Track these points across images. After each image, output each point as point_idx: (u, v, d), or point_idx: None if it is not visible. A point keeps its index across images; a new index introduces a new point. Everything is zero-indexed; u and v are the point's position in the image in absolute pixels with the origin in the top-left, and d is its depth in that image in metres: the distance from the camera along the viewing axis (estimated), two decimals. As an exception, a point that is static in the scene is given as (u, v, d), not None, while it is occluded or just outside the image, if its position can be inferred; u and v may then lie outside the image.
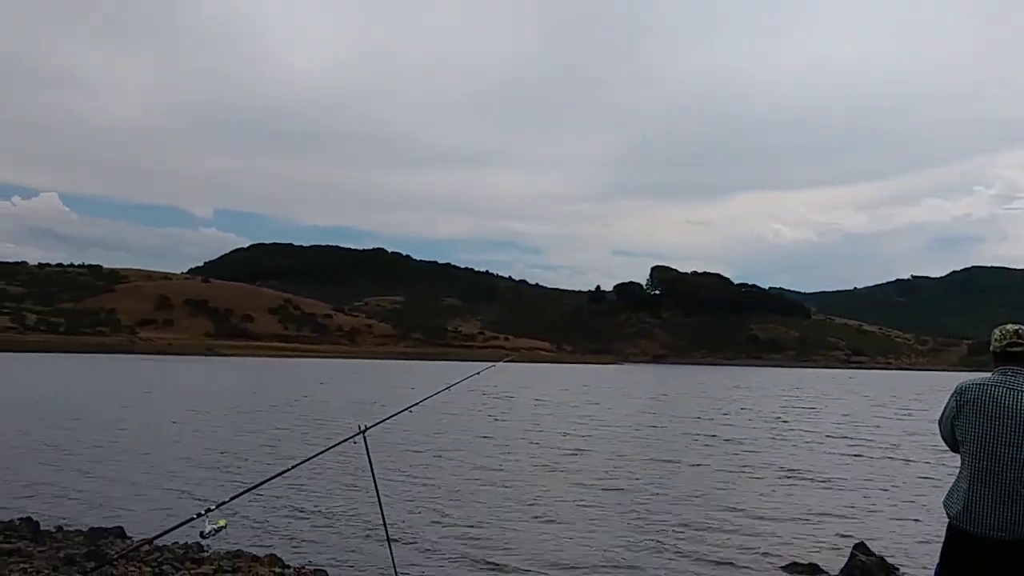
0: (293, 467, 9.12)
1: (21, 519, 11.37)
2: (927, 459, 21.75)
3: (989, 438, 4.84)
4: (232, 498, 8.49)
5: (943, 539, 5.16)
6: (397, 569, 9.16)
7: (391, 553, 9.12)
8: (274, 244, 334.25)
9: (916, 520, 13.86)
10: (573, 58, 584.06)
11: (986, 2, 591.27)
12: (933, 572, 5.33)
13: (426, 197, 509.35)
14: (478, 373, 12.25)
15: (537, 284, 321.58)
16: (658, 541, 12.04)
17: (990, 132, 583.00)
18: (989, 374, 5.05)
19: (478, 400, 40.14)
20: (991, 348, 5.12)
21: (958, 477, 5.06)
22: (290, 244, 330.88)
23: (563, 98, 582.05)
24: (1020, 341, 4.97)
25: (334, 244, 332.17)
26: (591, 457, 20.96)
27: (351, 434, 8.86)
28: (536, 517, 13.56)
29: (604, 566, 10.74)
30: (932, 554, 5.29)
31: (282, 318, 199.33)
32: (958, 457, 5.09)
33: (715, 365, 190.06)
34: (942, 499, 5.20)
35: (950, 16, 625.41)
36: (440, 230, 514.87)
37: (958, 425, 5.02)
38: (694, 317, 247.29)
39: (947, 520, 5.11)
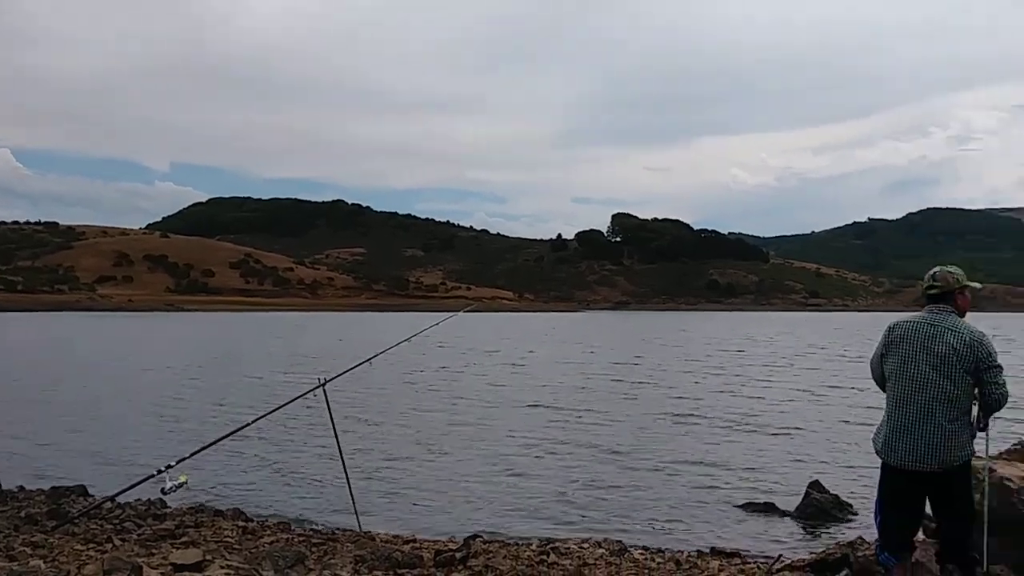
0: (254, 421, 9.19)
1: (-19, 479, 11.29)
2: (872, 399, 22.10)
3: (911, 372, 5.13)
4: (192, 454, 8.55)
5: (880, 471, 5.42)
6: (360, 519, 9.28)
7: (354, 503, 9.23)
8: (233, 198, 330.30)
9: (867, 456, 14.14)
10: (539, 6, 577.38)
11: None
12: (874, 504, 5.57)
13: (386, 147, 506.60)
14: (437, 324, 12.33)
15: (499, 233, 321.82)
16: (607, 490, 12.13)
17: (945, 73, 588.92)
18: (921, 312, 5.36)
19: (437, 351, 40.26)
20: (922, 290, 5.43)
21: (884, 413, 5.31)
22: (249, 197, 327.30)
23: (524, 45, 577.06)
24: (936, 284, 5.35)
25: (293, 196, 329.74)
26: (540, 409, 20.86)
27: (311, 387, 8.94)
28: (491, 467, 13.62)
29: (559, 516, 10.85)
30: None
31: (243, 272, 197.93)
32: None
33: (675, 311, 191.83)
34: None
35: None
36: (401, 180, 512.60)
37: (886, 361, 5.29)
38: (655, 263, 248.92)
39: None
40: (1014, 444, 7.67)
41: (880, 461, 5.40)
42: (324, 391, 8.74)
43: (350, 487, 9.21)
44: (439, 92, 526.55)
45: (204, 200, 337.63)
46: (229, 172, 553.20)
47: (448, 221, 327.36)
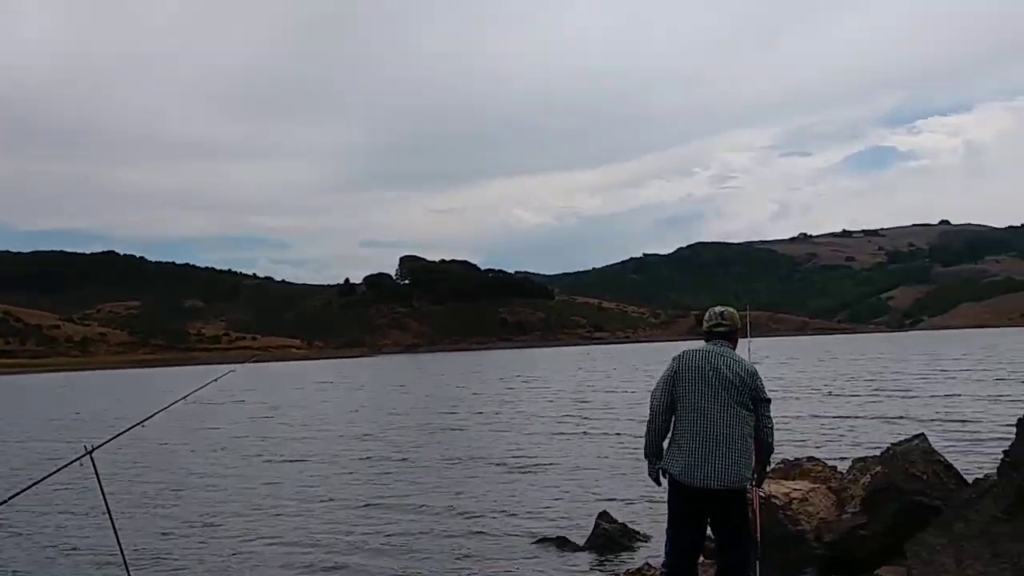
0: (9, 499, 8.38)
1: None
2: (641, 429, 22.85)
3: (706, 396, 5.42)
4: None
5: (668, 496, 5.62)
6: (137, 596, 8.65)
7: (129, 581, 8.58)
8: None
9: (650, 484, 14.58)
10: (315, 47, 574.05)
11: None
12: (665, 528, 5.76)
13: (161, 194, 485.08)
14: (216, 379, 11.71)
15: (284, 280, 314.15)
16: (398, 541, 11.92)
17: (704, 118, 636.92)
18: (706, 344, 5.71)
19: (216, 408, 38.21)
20: (703, 327, 5.74)
21: (675, 436, 5.53)
22: (7, 251, 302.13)
23: (305, 88, 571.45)
24: (724, 322, 5.78)
25: (58, 249, 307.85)
26: (318, 464, 20.28)
27: (76, 456, 8.25)
28: (275, 528, 13.10)
29: (354, 573, 10.62)
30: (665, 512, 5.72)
31: (1, 331, 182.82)
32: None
33: (467, 351, 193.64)
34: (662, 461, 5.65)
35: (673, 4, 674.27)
36: (177, 229, 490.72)
37: (677, 386, 5.53)
38: (444, 305, 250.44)
39: (670, 478, 5.58)
40: (777, 463, 8.19)
41: (668, 489, 5.61)
42: (92, 460, 8.08)
43: (126, 565, 8.55)
44: (215, 137, 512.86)
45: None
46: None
47: (230, 270, 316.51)
